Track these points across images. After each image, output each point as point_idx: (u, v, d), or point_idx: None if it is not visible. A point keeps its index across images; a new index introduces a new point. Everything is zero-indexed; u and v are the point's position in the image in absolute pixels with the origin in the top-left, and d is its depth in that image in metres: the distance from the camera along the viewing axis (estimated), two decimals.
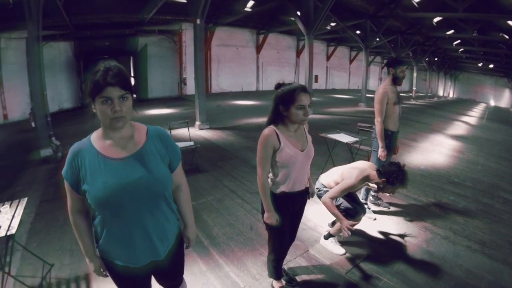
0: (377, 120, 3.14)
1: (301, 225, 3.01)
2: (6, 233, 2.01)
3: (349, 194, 2.53)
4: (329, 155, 4.55)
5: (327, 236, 2.72)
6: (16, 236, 2.72)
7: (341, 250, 2.64)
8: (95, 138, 1.23)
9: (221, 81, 18.77)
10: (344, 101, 17.14)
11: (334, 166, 4.31)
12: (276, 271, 2.13)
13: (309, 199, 2.09)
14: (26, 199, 2.50)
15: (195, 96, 8.19)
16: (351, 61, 28.42)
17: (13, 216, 2.23)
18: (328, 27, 16.23)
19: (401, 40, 18.19)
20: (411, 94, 23.71)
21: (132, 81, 1.10)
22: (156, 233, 1.29)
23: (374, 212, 3.35)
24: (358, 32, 15.36)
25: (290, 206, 1.89)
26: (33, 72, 5.88)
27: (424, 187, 4.13)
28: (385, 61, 29.78)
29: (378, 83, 30.91)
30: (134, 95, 1.10)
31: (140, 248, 1.26)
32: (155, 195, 1.25)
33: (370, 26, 14.14)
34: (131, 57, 19.08)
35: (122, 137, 1.23)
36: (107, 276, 1.38)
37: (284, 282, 2.21)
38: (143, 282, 1.42)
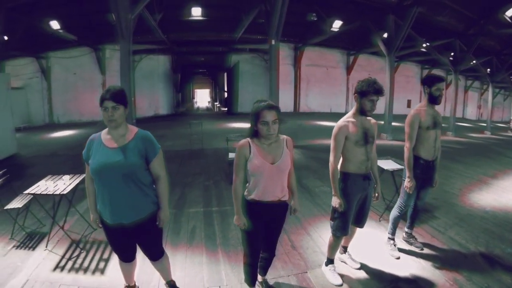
0: (406, 146, 2.90)
1: (312, 246, 3.17)
2: (59, 193, 2.87)
3: (349, 210, 2.45)
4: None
5: (327, 263, 2.70)
6: (75, 202, 3.72)
7: (338, 280, 2.56)
8: (104, 132, 1.96)
9: (309, 101, 19.35)
10: None
11: (381, 193, 4.15)
12: (249, 277, 2.26)
13: (290, 214, 2.21)
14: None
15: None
16: (447, 86, 25.33)
17: (69, 184, 3.13)
18: (422, 49, 15.03)
19: (496, 62, 15.50)
20: (509, 124, 19.90)
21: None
22: (124, 203, 1.88)
23: (402, 250, 3.06)
24: (452, 54, 13.81)
25: (262, 215, 2.05)
26: (124, 80, 7.49)
27: (478, 232, 3.49)
28: (484, 87, 26.08)
29: (476, 111, 26.75)
30: (127, 107, 1.68)
31: (112, 209, 1.90)
32: (125, 175, 1.86)
33: (459, 46, 12.57)
34: (225, 73, 21.65)
35: (118, 134, 1.91)
36: (100, 227, 2.07)
37: None
38: (122, 240, 2.05)
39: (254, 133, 1.98)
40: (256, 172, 1.95)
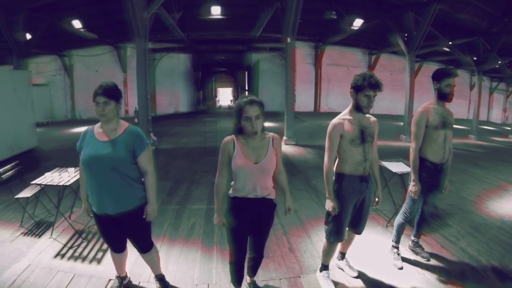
0: (411, 147, 2.72)
1: (311, 250, 3.11)
2: (63, 184, 3.02)
3: (343, 214, 2.32)
4: (385, 185, 4.20)
5: (321, 268, 2.62)
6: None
7: (331, 287, 2.50)
8: (97, 126, 2.07)
9: (330, 100, 19.12)
10: (455, 132, 14.54)
11: (391, 196, 4.07)
12: (234, 276, 2.24)
13: (285, 214, 2.18)
14: None
15: (285, 113, 8.92)
16: (471, 87, 24.13)
17: (74, 176, 3.29)
18: (445, 48, 14.47)
19: None
20: None
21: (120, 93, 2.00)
22: (109, 194, 1.96)
23: (406, 260, 2.92)
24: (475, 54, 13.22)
25: (246, 213, 2.02)
26: (140, 78, 7.74)
27: (493, 243, 3.28)
28: (510, 89, 24.62)
29: (502, 114, 25.43)
30: (118, 102, 1.78)
31: (98, 199, 2.02)
32: (112, 167, 1.95)
33: (483, 45, 11.86)
34: (246, 72, 21.84)
35: (109, 129, 2.02)
36: (91, 217, 2.20)
37: None
38: (110, 230, 2.17)
39: (239, 130, 1.94)
40: (239, 170, 1.93)
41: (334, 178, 2.35)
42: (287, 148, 8.22)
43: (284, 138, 8.76)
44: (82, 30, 12.51)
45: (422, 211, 2.93)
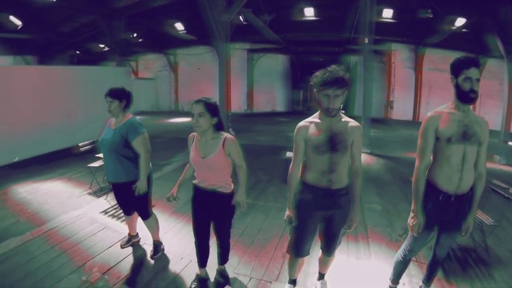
0: (415, 165, 2.16)
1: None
2: None
3: (302, 227, 2.21)
4: None
5: (289, 281, 2.62)
6: None
7: None
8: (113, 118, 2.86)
9: (431, 109, 17.03)
10: None
11: None
12: (197, 257, 2.61)
13: (237, 209, 2.41)
14: None
15: (362, 119, 8.74)
16: None
17: None
18: None
19: None
20: None
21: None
22: (109, 167, 2.77)
23: None
24: None
25: (200, 199, 2.42)
26: (221, 78, 8.86)
27: None
28: None
29: None
30: (122, 101, 2.80)
31: (106, 169, 2.93)
32: (109, 148, 2.73)
33: None
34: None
35: (117, 121, 2.81)
36: (110, 187, 3.04)
37: (197, 273, 2.68)
38: (117, 196, 3.03)
39: None
40: (191, 162, 2.38)
41: (300, 186, 2.20)
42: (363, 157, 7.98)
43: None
44: (182, 32, 14.94)
45: (434, 253, 2.33)
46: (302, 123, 2.13)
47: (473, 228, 2.30)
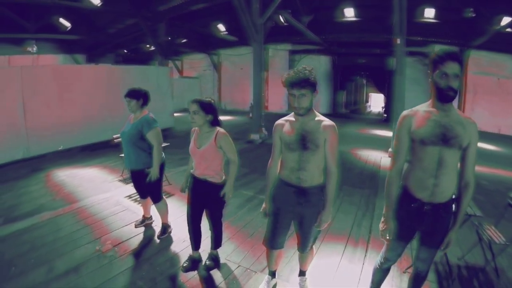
0: (388, 167, 2.07)
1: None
2: None
3: (273, 219, 2.36)
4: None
5: (268, 272, 2.71)
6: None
7: None
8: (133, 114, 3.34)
9: (475, 116, 15.70)
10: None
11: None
12: (190, 240, 2.95)
13: (224, 199, 2.71)
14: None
15: (393, 124, 8.55)
16: None
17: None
18: None
19: None
20: None
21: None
22: (128, 157, 3.23)
23: None
24: None
25: (193, 186, 2.79)
26: (256, 78, 9.20)
27: None
28: None
29: None
30: (139, 100, 3.28)
31: (125, 158, 3.43)
32: (128, 140, 3.22)
33: None
34: (388, 76, 20.87)
35: (135, 116, 3.31)
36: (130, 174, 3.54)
37: (191, 254, 2.99)
38: (134, 182, 3.53)
39: None
40: (190, 152, 2.73)
41: (276, 181, 2.34)
42: (384, 160, 7.78)
43: (390, 150, 8.38)
44: (224, 33, 15.64)
45: (415, 266, 2.20)
46: (279, 121, 2.28)
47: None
